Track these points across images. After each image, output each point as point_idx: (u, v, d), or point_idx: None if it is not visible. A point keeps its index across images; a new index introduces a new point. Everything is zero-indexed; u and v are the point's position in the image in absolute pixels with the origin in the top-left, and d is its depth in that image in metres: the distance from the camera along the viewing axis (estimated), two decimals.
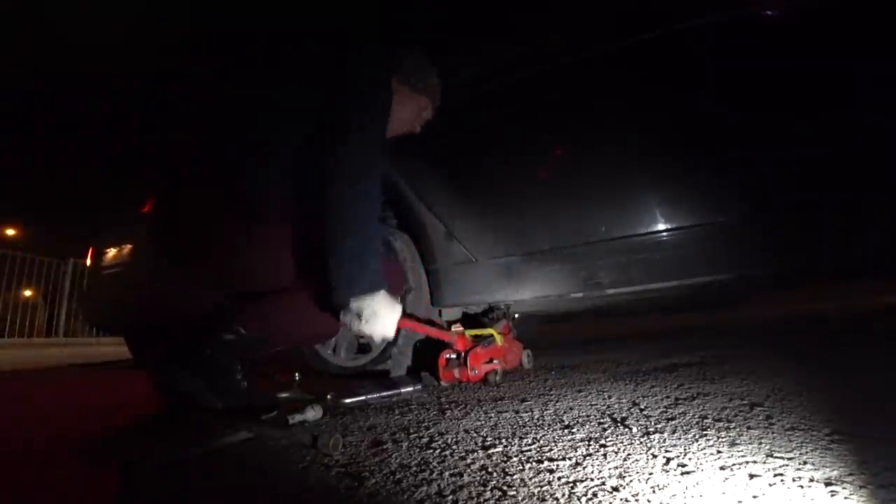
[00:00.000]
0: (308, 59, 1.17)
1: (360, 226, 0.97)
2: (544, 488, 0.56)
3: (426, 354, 1.52)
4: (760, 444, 0.66)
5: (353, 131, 1.00)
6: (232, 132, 1.13)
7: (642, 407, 0.93)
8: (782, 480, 0.53)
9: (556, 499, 0.53)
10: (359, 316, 0.97)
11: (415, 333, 1.62)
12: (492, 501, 0.53)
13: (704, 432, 0.73)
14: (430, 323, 1.51)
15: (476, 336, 1.43)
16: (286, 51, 1.21)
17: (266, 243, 1.05)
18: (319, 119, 1.03)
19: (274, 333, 1.09)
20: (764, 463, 0.59)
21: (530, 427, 0.84)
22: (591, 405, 0.98)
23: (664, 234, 1.30)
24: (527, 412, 0.95)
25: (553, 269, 1.44)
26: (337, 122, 1.01)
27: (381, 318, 0.98)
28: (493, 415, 0.95)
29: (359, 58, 1.13)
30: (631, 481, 0.56)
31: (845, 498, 0.48)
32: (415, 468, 0.66)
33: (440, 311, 1.72)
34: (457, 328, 1.52)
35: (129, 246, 2.15)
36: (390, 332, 1.03)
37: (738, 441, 0.68)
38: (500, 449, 0.72)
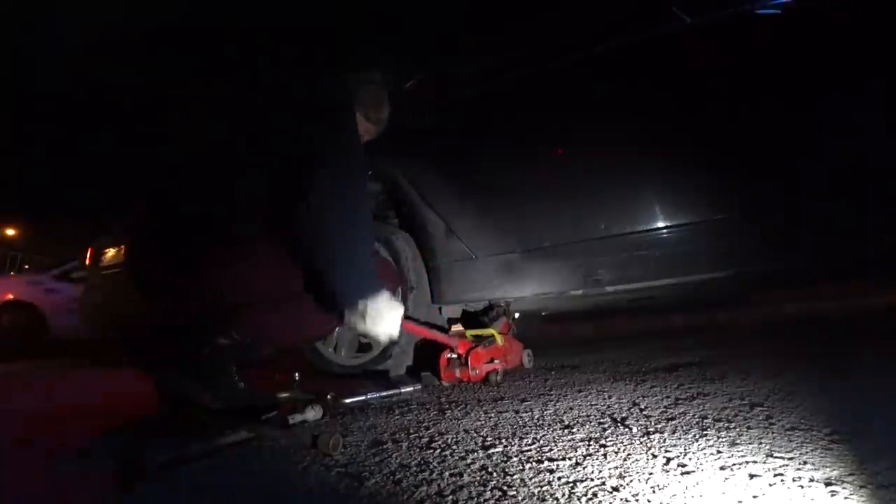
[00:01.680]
0: (282, 84, 1.17)
1: (350, 236, 0.99)
2: (544, 488, 0.56)
3: (427, 354, 1.52)
4: (760, 444, 0.66)
5: (331, 153, 1.00)
6: (214, 149, 1.12)
7: (642, 407, 0.93)
8: (782, 480, 0.53)
9: (556, 499, 0.53)
10: (363, 317, 1.00)
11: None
12: (492, 501, 0.53)
13: (704, 432, 0.73)
14: (432, 326, 1.50)
15: (477, 336, 1.43)
16: (262, 75, 1.22)
17: (254, 257, 1.04)
18: (296, 139, 1.03)
19: (268, 337, 1.09)
20: (764, 463, 0.59)
21: (530, 427, 0.84)
22: (591, 405, 0.98)
23: (664, 230, 1.30)
24: (527, 412, 0.95)
25: (553, 266, 1.44)
26: (315, 141, 1.01)
27: (385, 318, 1.01)
28: (493, 415, 0.95)
29: (327, 82, 1.14)
30: (631, 481, 0.56)
31: (845, 498, 0.48)
32: (415, 468, 0.66)
33: (440, 309, 1.71)
34: (457, 328, 1.52)
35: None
36: (395, 332, 1.06)
37: (738, 441, 0.68)
38: (500, 449, 0.72)
